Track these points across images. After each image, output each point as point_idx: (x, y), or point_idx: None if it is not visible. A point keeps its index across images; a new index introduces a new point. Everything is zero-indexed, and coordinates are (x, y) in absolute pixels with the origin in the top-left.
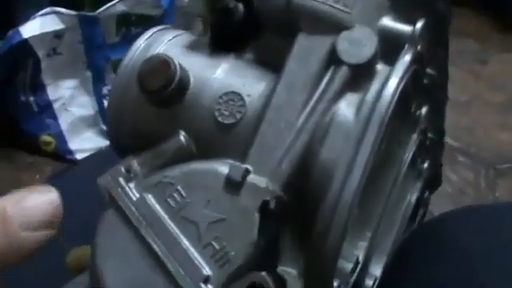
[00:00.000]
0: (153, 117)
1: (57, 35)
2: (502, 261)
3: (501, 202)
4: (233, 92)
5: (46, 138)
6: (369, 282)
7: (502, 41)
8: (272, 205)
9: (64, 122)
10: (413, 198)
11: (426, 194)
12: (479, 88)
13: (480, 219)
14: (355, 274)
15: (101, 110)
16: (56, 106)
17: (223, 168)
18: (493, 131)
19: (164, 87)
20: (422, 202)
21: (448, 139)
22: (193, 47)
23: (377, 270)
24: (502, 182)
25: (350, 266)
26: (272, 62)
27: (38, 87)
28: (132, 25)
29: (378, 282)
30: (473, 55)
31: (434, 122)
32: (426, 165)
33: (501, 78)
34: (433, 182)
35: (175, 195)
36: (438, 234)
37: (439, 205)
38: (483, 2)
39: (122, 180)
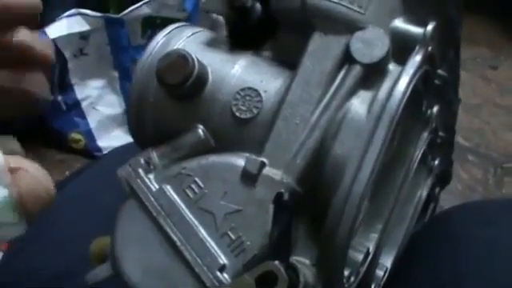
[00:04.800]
0: (172, 110)
1: (83, 36)
2: (499, 250)
3: (507, 197)
4: (250, 88)
5: (75, 135)
6: (379, 272)
7: None
8: (286, 197)
9: (92, 120)
10: (424, 193)
11: (437, 189)
12: (490, 92)
13: (482, 213)
14: (365, 265)
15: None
16: (84, 104)
17: (240, 161)
18: (501, 132)
19: (182, 82)
20: (432, 197)
21: (459, 139)
22: (211, 44)
23: (387, 261)
24: (509, 179)
25: (360, 256)
26: (288, 60)
27: (66, 87)
28: (157, 27)
29: (388, 272)
30: (484, 61)
31: (445, 121)
32: (436, 162)
33: (510, 83)
34: (443, 178)
35: (193, 186)
36: (444, 227)
37: (449, 201)
38: (495, 10)
39: (141, 171)
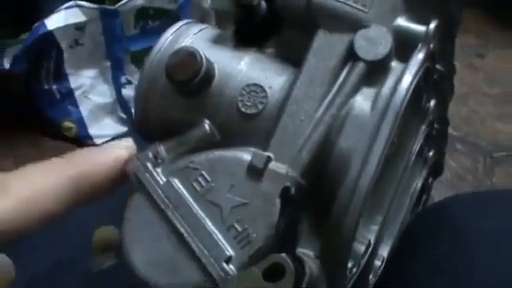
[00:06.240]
0: (179, 106)
1: (78, 27)
2: (496, 240)
3: (497, 188)
4: (255, 84)
5: (67, 123)
6: (377, 262)
7: (500, 37)
8: (292, 191)
9: (84, 109)
10: (419, 184)
11: (430, 180)
12: (477, 81)
13: (477, 203)
14: (367, 256)
15: (119, 99)
16: (77, 93)
17: (246, 155)
18: (490, 121)
19: (191, 78)
20: (426, 188)
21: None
22: (217, 41)
23: (384, 251)
24: (499, 169)
25: (362, 248)
26: (292, 57)
27: (61, 76)
28: (150, 18)
29: (385, 262)
30: (472, 50)
31: (440, 112)
32: (431, 153)
33: (498, 72)
34: (436, 169)
35: (200, 180)
36: (440, 216)
37: (439, 190)
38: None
39: (149, 165)
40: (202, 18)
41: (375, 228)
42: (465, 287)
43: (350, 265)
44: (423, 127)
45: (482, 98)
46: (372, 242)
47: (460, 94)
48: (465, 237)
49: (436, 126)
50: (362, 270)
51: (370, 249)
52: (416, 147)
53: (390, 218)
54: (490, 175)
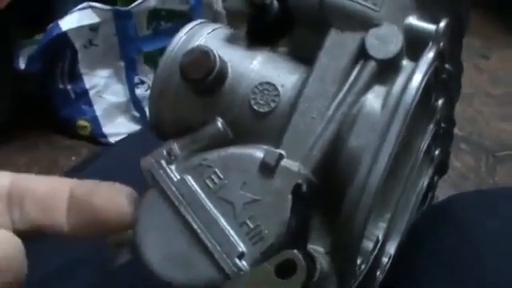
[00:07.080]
0: (193, 104)
1: (92, 28)
2: (500, 236)
3: (501, 186)
4: (268, 82)
5: (82, 122)
6: (384, 259)
7: (504, 38)
8: (304, 188)
9: (99, 108)
10: (425, 182)
11: (436, 178)
12: (482, 81)
13: (481, 201)
14: (375, 252)
15: (132, 98)
16: (91, 93)
17: (258, 153)
18: (493, 121)
19: (204, 77)
20: (431, 187)
21: None
22: (230, 40)
23: (391, 248)
24: (501, 168)
25: (370, 244)
26: (304, 56)
27: (75, 76)
28: (162, 19)
29: (392, 258)
30: (476, 51)
31: (446, 112)
32: (437, 152)
33: (502, 73)
34: (441, 168)
35: (213, 177)
36: (446, 214)
37: (443, 188)
38: (487, 1)
39: (163, 162)
40: (214, 19)
41: (383, 225)
42: (469, 279)
43: (359, 261)
44: (431, 126)
45: (487, 98)
46: (380, 238)
47: (465, 94)
48: (469, 231)
49: (443, 125)
50: (371, 267)
51: (379, 245)
52: (424, 146)
53: (397, 216)
54: (492, 174)
